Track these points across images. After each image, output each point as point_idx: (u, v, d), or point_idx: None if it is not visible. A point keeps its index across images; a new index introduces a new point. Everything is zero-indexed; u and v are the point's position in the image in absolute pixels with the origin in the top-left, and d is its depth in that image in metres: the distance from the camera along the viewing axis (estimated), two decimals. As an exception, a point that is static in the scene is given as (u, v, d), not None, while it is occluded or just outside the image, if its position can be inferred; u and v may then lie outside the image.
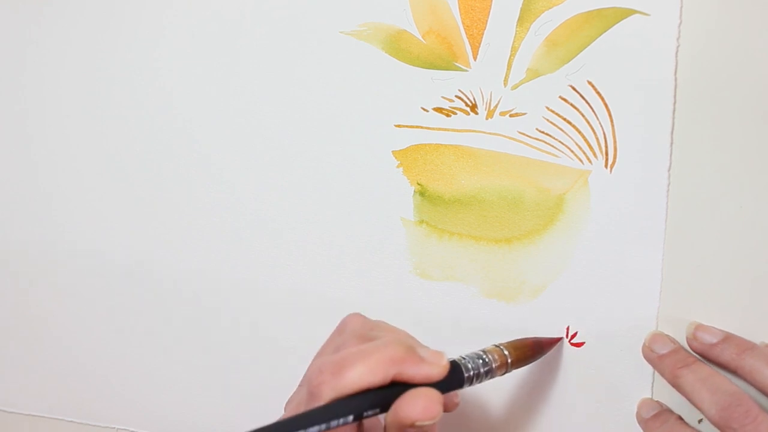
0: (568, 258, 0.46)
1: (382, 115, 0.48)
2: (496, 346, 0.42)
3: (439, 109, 0.47)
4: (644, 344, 0.45)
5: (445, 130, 0.47)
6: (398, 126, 0.48)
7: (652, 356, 0.44)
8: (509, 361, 0.42)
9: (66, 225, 0.57)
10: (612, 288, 0.46)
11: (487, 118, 0.47)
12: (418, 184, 0.48)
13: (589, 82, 0.44)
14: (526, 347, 0.44)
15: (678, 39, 0.42)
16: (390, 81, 0.48)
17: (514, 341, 0.44)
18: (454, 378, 0.38)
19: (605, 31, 0.43)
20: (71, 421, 0.60)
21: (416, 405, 0.36)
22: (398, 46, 0.47)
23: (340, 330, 0.42)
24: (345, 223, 0.50)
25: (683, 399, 0.42)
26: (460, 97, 0.47)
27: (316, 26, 0.49)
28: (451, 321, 0.49)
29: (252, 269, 0.53)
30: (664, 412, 0.45)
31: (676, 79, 0.43)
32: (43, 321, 0.59)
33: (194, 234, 0.54)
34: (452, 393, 0.40)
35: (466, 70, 0.46)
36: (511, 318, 0.48)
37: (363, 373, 0.36)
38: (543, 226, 0.46)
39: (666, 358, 0.43)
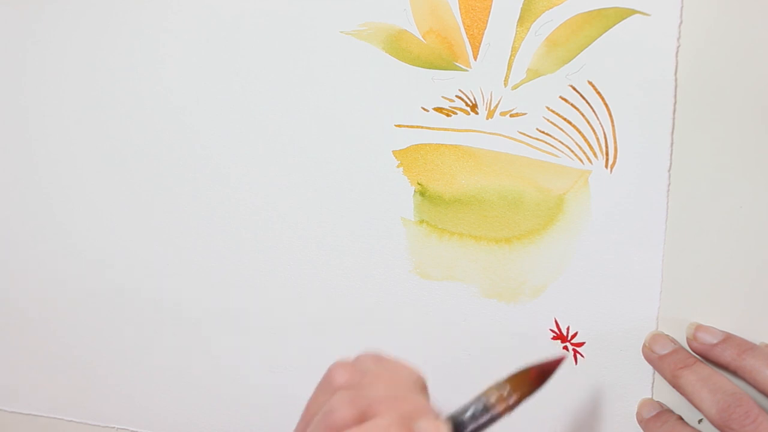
0: (568, 258, 0.46)
1: (382, 115, 0.48)
2: (497, 386, 0.38)
3: (439, 109, 0.47)
4: (644, 344, 0.45)
5: (446, 130, 0.47)
6: (398, 126, 0.48)
7: (652, 356, 0.44)
8: (511, 403, 0.38)
9: (66, 225, 0.57)
10: (612, 288, 0.46)
11: (487, 118, 0.47)
12: (419, 183, 0.48)
13: (590, 82, 0.44)
14: (530, 381, 0.39)
15: (678, 39, 0.42)
16: (390, 81, 0.48)
17: (516, 376, 0.39)
18: None
19: (605, 31, 0.43)
20: (71, 421, 0.60)
21: None
22: (398, 46, 0.47)
23: (326, 387, 0.39)
24: (345, 223, 0.50)
25: (683, 399, 0.42)
26: (460, 97, 0.47)
27: (316, 26, 0.49)
28: (451, 321, 0.49)
29: (252, 269, 0.53)
30: (665, 412, 0.45)
31: (676, 79, 0.43)
32: (44, 321, 0.59)
33: (194, 234, 0.54)
34: None
35: (467, 70, 0.46)
36: (511, 318, 0.48)
37: None
38: (543, 226, 0.46)
39: (666, 359, 0.43)
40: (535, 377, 0.39)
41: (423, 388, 0.39)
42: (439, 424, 0.35)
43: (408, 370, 0.39)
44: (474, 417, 0.37)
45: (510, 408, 0.38)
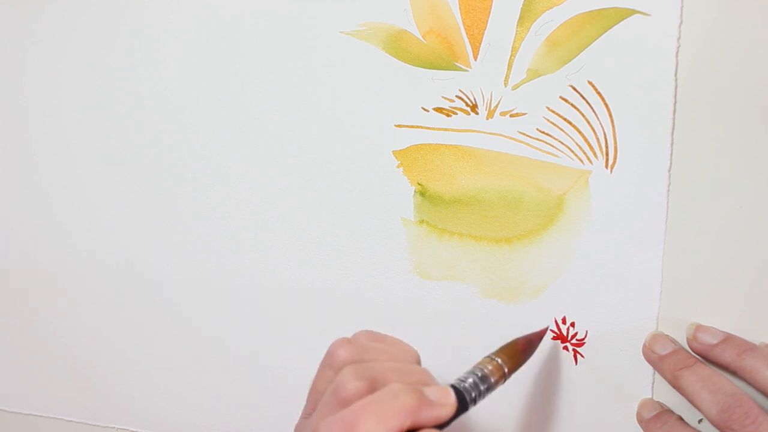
0: (568, 258, 0.46)
1: (382, 115, 0.48)
2: (490, 357, 0.41)
3: (439, 109, 0.47)
4: (644, 345, 0.45)
5: (446, 130, 0.47)
6: (398, 126, 0.48)
7: (652, 357, 0.44)
8: (506, 371, 0.41)
9: (66, 225, 0.57)
10: (612, 288, 0.46)
11: (487, 118, 0.47)
12: (419, 184, 0.48)
13: (590, 82, 0.44)
14: (519, 352, 0.43)
15: (678, 39, 0.42)
16: (390, 81, 0.48)
17: (506, 348, 0.43)
18: (459, 407, 0.38)
19: (606, 31, 0.43)
20: (71, 421, 0.60)
21: None
22: (398, 46, 0.47)
23: (330, 363, 0.40)
24: (345, 223, 0.50)
25: (683, 399, 0.42)
26: (460, 97, 0.47)
27: (316, 26, 0.49)
28: (451, 321, 0.49)
29: (252, 269, 0.53)
30: (665, 412, 0.45)
31: (676, 79, 0.43)
32: (44, 321, 0.59)
33: (194, 234, 0.54)
34: None
35: (467, 70, 0.46)
36: (511, 318, 0.48)
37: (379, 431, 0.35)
38: (543, 226, 0.46)
39: (666, 359, 0.43)
40: (523, 348, 0.43)
41: (419, 362, 0.41)
42: (447, 390, 0.38)
43: (404, 345, 0.42)
44: (474, 385, 0.39)
45: (504, 377, 0.41)
